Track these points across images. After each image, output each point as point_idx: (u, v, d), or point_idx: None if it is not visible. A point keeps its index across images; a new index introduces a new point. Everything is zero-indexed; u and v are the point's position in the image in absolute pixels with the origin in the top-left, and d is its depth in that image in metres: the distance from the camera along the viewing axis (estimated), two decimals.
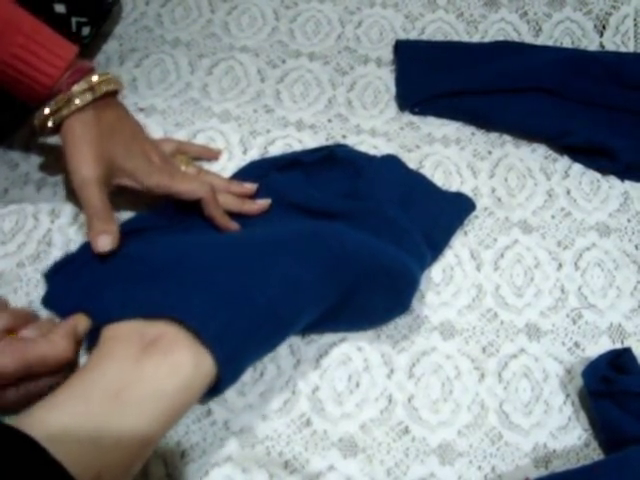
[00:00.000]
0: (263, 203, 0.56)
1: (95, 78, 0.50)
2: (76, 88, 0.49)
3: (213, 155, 0.61)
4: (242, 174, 0.59)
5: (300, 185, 0.58)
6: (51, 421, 0.36)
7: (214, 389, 0.43)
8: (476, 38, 0.73)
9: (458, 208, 0.59)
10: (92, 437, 0.36)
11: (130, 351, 0.40)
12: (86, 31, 0.62)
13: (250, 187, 0.57)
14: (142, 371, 0.39)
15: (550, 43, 0.72)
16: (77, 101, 0.49)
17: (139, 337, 0.42)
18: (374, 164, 0.59)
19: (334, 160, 0.59)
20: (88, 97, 0.49)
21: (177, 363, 0.40)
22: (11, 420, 0.35)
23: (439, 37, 0.72)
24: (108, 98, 0.51)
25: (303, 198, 0.56)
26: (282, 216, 0.55)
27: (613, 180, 0.63)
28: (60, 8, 0.59)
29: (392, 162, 0.59)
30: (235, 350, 0.43)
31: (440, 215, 0.57)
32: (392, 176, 0.58)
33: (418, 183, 0.60)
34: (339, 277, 0.47)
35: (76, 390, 0.38)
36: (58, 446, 0.34)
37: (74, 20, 0.60)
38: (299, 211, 0.55)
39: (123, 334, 0.42)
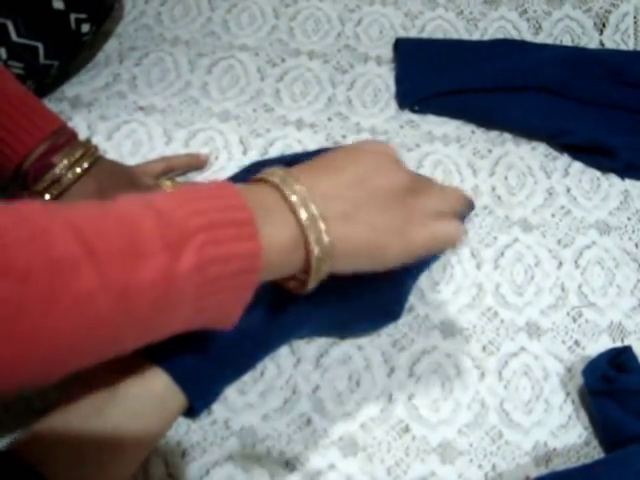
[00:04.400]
0: None
1: (77, 154, 0.49)
2: (58, 170, 0.49)
3: (201, 162, 0.61)
4: (243, 175, 0.59)
5: None
6: (40, 443, 0.39)
7: (190, 412, 0.45)
8: (476, 36, 0.72)
9: None
10: (78, 457, 0.39)
11: (107, 375, 0.43)
12: (86, 28, 0.61)
13: None
14: (116, 393, 0.42)
15: (550, 41, 0.72)
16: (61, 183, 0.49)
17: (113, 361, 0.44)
18: None
19: None
20: (70, 176, 0.49)
21: (148, 383, 0.42)
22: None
23: (439, 35, 0.72)
24: (88, 171, 0.50)
25: None
26: None
27: (613, 178, 0.63)
28: (58, 4, 0.58)
29: None
30: (207, 384, 0.44)
31: None
32: None
33: None
34: (318, 296, 0.47)
35: (62, 415, 0.41)
36: (48, 467, 0.37)
37: (73, 16, 0.59)
38: None
39: None
